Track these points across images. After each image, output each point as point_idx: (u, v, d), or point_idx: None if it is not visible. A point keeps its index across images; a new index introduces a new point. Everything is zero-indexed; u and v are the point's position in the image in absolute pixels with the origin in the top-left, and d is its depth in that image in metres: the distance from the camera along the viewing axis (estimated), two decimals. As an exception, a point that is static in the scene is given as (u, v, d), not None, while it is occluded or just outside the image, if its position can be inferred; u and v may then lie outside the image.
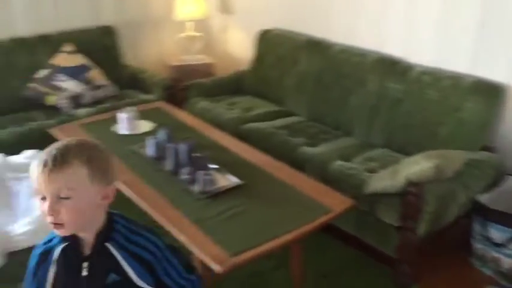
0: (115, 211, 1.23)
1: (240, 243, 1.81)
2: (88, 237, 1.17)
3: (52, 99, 3.46)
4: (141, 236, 1.20)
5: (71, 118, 3.25)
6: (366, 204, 2.37)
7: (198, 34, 4.39)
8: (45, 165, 1.08)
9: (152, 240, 1.21)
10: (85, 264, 1.18)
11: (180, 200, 2.10)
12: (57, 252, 1.19)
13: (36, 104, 3.46)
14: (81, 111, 3.41)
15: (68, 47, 3.64)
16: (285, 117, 3.36)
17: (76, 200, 1.10)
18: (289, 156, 2.75)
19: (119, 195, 2.17)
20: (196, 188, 2.16)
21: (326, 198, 2.08)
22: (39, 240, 1.92)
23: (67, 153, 1.10)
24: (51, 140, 2.72)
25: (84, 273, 1.17)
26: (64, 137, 2.74)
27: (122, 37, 4.00)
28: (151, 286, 1.19)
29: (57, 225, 1.11)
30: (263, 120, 3.28)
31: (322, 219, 1.97)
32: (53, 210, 1.09)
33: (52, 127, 2.94)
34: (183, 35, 4.36)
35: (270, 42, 3.72)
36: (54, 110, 3.44)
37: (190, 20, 4.30)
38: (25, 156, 2.53)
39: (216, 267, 1.70)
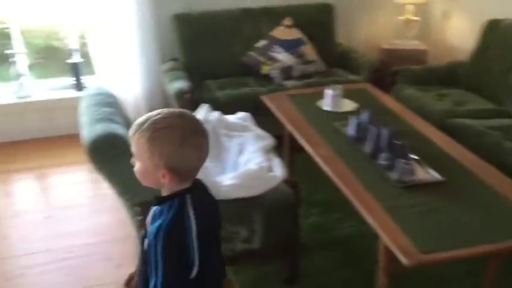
0: (188, 196, 1.25)
1: (433, 241, 1.71)
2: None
3: (266, 69, 3.70)
4: (158, 227, 1.22)
5: (280, 88, 3.45)
6: None
7: (415, 18, 4.19)
8: (131, 128, 1.24)
9: (161, 240, 1.21)
10: (149, 211, 1.34)
11: (374, 185, 2.07)
12: None
13: (252, 71, 3.75)
14: (290, 83, 3.59)
15: (287, 21, 3.83)
16: (501, 118, 3.03)
17: (139, 165, 1.24)
18: (500, 161, 2.48)
19: (317, 167, 2.27)
20: (393, 175, 2.11)
21: (542, 215, 1.83)
22: (241, 194, 2.12)
23: (141, 125, 1.20)
24: (262, 105, 2.97)
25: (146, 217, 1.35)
26: (272, 104, 2.93)
27: (338, 15, 4.04)
28: None
29: None
30: (475, 117, 3.01)
31: (535, 237, 1.74)
32: (133, 164, 1.27)
33: (263, 94, 3.15)
34: (400, 18, 4.21)
35: (499, 34, 3.35)
36: (266, 78, 3.68)
37: (412, 3, 4.12)
38: (237, 117, 2.76)
39: (404, 260, 1.64)
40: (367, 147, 2.33)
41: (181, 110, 1.27)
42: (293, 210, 2.24)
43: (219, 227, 1.41)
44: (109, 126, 2.14)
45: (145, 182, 1.28)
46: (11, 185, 3.34)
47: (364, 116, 2.55)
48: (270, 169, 2.29)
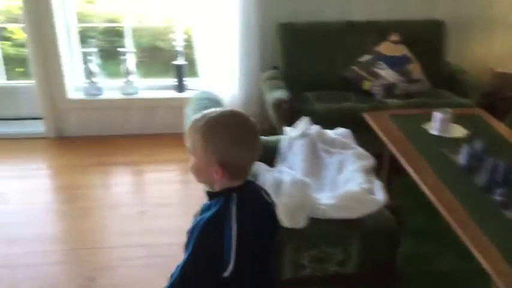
0: (235, 194, 1.28)
1: (558, 296, 1.53)
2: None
3: (368, 85, 3.58)
4: (199, 219, 1.27)
5: (381, 106, 3.32)
6: None
7: (536, 41, 3.87)
8: (188, 124, 1.30)
9: (199, 229, 1.25)
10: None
11: (486, 221, 1.90)
12: None
13: (352, 86, 3.64)
14: (391, 101, 3.44)
15: (394, 37, 3.68)
16: None
17: (195, 159, 1.29)
18: None
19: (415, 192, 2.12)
20: (509, 214, 1.92)
21: None
22: (340, 215, 2.04)
23: (197, 122, 1.26)
24: (361, 121, 2.86)
25: None
26: (374, 123, 2.81)
27: (448, 32, 3.82)
28: None
29: None
30: None
31: None
32: (189, 158, 1.31)
33: (364, 111, 3.03)
34: (520, 40, 3.91)
35: None
36: (366, 94, 3.56)
37: (534, 25, 3.81)
38: (337, 132, 2.68)
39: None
40: (480, 180, 2.16)
41: (234, 109, 1.32)
42: (393, 238, 2.12)
43: (268, 232, 1.40)
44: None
45: (198, 178, 1.34)
46: (110, 177, 3.50)
47: (478, 144, 2.36)
48: (370, 191, 2.19)
